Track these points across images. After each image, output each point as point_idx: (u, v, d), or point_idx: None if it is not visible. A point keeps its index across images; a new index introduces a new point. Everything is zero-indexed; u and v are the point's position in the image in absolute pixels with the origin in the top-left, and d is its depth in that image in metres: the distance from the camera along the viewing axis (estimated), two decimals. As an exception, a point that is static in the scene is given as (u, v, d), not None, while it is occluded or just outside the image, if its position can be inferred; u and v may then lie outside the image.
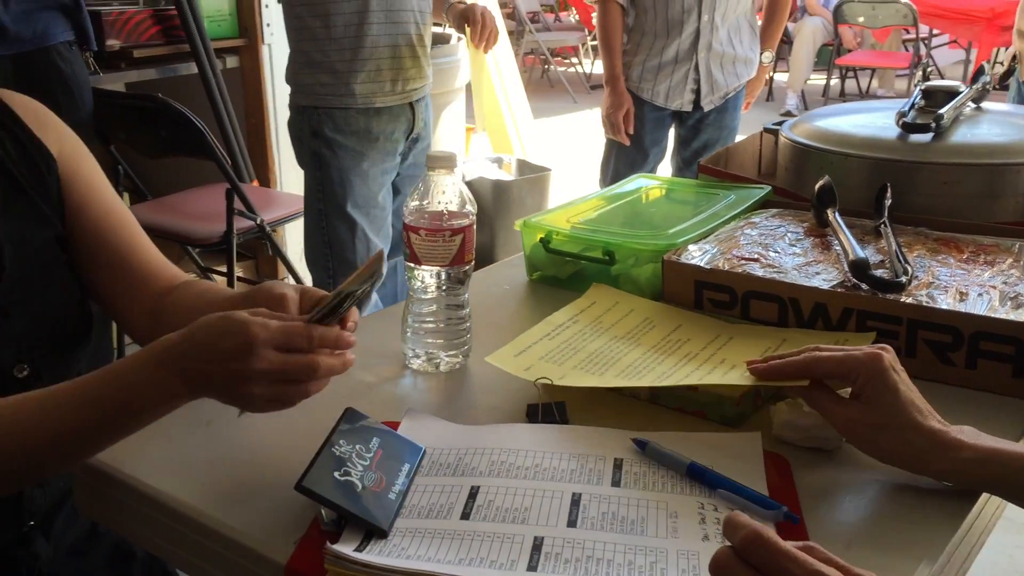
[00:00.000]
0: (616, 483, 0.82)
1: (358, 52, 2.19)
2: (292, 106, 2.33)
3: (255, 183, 3.14)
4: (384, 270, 0.86)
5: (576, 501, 0.79)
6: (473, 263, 1.04)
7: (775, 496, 0.81)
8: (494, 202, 3.78)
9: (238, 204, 2.60)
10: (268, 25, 3.18)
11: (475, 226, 1.03)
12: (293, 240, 3.41)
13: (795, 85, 7.85)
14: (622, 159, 2.98)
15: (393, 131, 2.33)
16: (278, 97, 3.24)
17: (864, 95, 8.19)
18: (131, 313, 1.10)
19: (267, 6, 3.16)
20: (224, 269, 2.75)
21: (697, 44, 2.81)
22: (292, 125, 2.36)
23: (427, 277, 1.02)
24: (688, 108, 2.90)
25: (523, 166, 4.12)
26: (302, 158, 2.36)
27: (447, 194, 1.01)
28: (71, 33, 2.19)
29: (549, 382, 0.96)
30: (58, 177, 1.07)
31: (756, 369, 0.89)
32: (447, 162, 1.00)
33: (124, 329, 1.15)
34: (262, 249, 3.34)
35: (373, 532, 0.76)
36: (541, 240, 1.27)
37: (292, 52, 2.29)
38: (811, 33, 7.86)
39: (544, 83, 9.18)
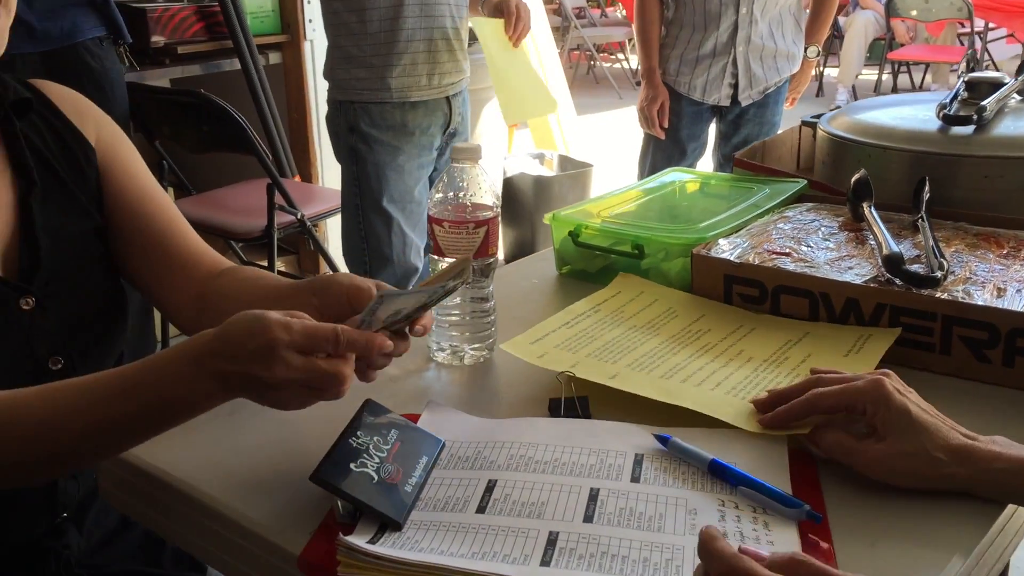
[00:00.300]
0: (635, 479, 0.81)
1: (393, 46, 2.20)
2: (330, 101, 2.35)
3: (297, 178, 3.16)
4: (470, 274, 0.84)
5: (594, 496, 0.78)
6: (497, 256, 1.04)
7: (799, 494, 0.79)
8: (535, 198, 3.77)
9: (279, 199, 2.62)
10: (310, 21, 3.20)
11: (499, 218, 1.02)
12: (335, 235, 3.42)
13: (846, 80, 7.73)
14: (659, 154, 2.96)
15: (429, 125, 2.33)
16: (320, 93, 3.26)
17: (917, 90, 8.04)
18: (174, 300, 1.08)
19: (309, 2, 3.18)
20: (266, 263, 2.77)
21: (735, 37, 2.78)
22: (330, 120, 2.37)
23: (451, 269, 1.01)
24: (726, 103, 2.86)
25: (565, 162, 4.11)
26: (339, 153, 2.38)
27: (471, 186, 1.00)
28: (101, 29, 2.20)
29: (572, 375, 0.95)
30: (97, 167, 1.07)
31: (762, 421, 0.87)
32: (471, 154, 0.99)
33: (169, 318, 1.12)
34: (304, 244, 3.37)
35: (387, 524, 0.76)
36: (570, 234, 1.26)
37: (329, 47, 2.30)
38: (863, 27, 7.73)
39: (589, 79, 9.14)
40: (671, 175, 1.51)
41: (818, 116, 1.57)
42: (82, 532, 1.10)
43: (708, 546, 0.61)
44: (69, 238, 1.03)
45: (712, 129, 3.03)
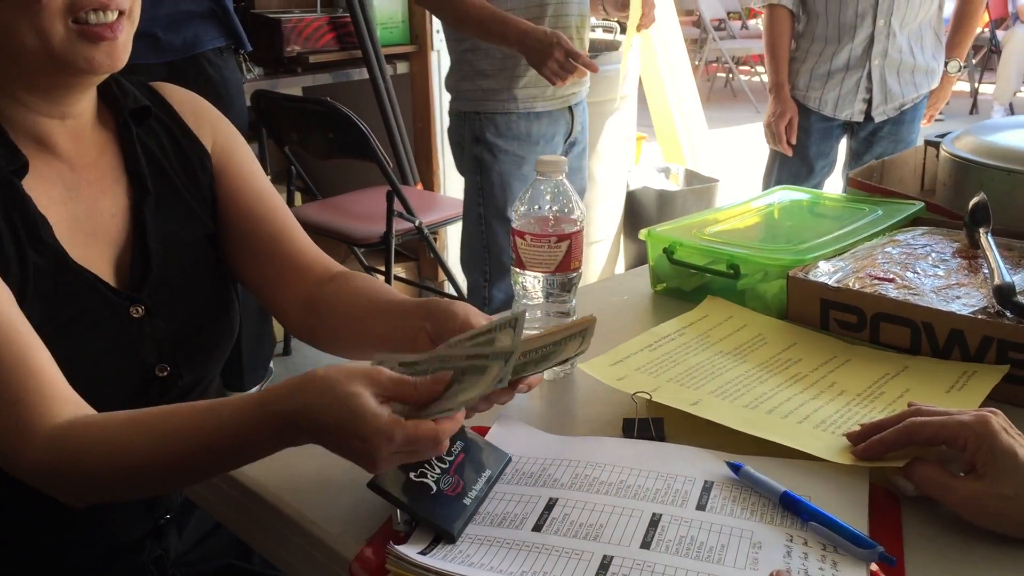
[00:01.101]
0: (701, 506, 0.78)
1: (519, 58, 2.21)
2: (453, 113, 2.37)
3: (419, 186, 3.22)
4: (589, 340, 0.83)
5: (655, 522, 0.76)
6: (580, 270, 1.02)
7: (876, 535, 0.75)
8: (657, 212, 3.72)
9: (398, 206, 2.67)
10: (438, 32, 3.25)
11: (583, 233, 1.01)
12: (454, 243, 3.47)
13: (1002, 98, 7.34)
14: (785, 171, 2.87)
15: (553, 135, 2.33)
16: (444, 102, 3.31)
17: (1079, 109, 7.56)
18: (284, 303, 1.08)
19: (438, 13, 3.23)
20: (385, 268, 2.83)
21: (871, 50, 2.67)
22: (452, 131, 2.40)
23: (532, 283, 1.00)
24: (859, 118, 2.75)
25: (691, 176, 4.04)
26: (462, 163, 2.40)
27: (554, 199, 0.99)
28: (222, 39, 2.28)
29: (648, 397, 0.92)
30: (211, 173, 1.08)
31: (856, 452, 0.83)
32: (556, 167, 0.98)
33: (280, 320, 1.12)
34: (424, 251, 3.42)
35: (441, 536, 0.75)
36: (665, 250, 1.23)
37: (454, 59, 2.33)
38: (1021, 42, 7.32)
39: (727, 92, 8.98)
40: (779, 193, 1.46)
41: (944, 135, 1.49)
42: (182, 534, 1.11)
43: None
44: (180, 245, 1.04)
45: (843, 147, 2.92)
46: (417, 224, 2.73)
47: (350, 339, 1.01)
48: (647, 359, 1.00)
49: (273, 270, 1.08)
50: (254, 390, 2.09)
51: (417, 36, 3.26)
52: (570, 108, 2.36)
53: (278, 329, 2.94)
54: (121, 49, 0.93)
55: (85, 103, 0.99)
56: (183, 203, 1.05)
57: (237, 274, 1.10)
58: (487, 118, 2.27)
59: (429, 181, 3.38)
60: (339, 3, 3.15)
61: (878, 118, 2.75)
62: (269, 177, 3.39)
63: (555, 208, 0.99)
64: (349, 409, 0.72)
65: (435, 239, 3.20)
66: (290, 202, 3.01)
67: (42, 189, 0.94)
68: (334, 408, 0.72)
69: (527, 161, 2.29)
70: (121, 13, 0.92)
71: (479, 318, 0.88)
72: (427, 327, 0.89)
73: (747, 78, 9.09)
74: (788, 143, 2.81)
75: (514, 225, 1.00)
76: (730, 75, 9.06)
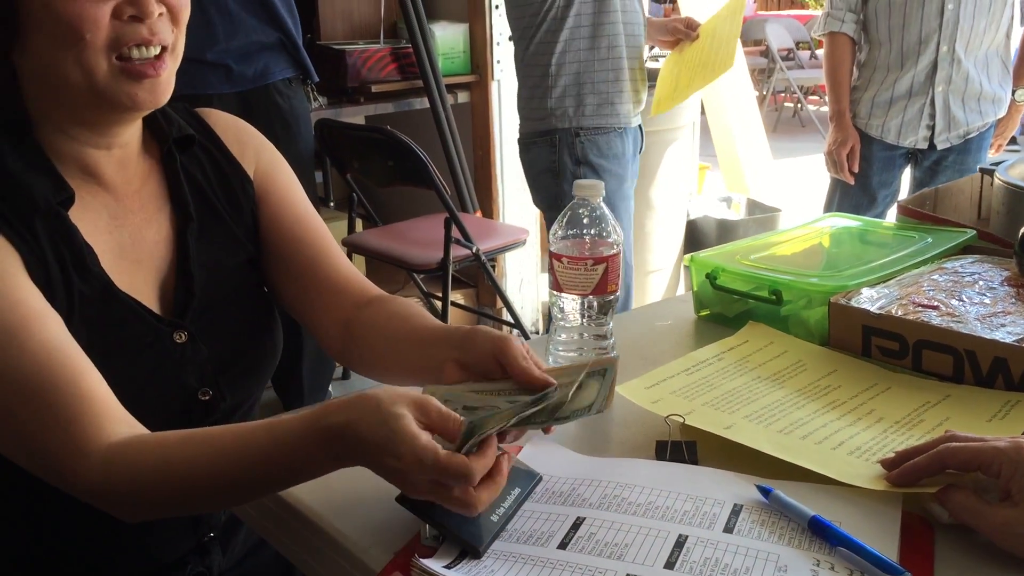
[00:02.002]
0: (729, 529, 0.78)
1: (620, 72, 2.23)
2: (541, 135, 2.32)
3: (478, 213, 3.25)
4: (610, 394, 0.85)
5: (680, 543, 0.76)
6: (618, 294, 1.03)
7: (907, 563, 0.74)
8: (717, 241, 3.69)
9: (456, 232, 2.71)
10: (498, 62, 3.30)
11: (620, 257, 1.02)
12: (513, 271, 3.50)
13: (1077, 128, 7.14)
14: (846, 200, 2.83)
15: (635, 151, 2.37)
16: (504, 131, 3.35)
17: None
18: (323, 325, 1.10)
19: (498, 44, 3.28)
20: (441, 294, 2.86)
21: (934, 77, 2.63)
22: (539, 156, 2.36)
23: (569, 304, 1.02)
24: (923, 146, 2.71)
25: (753, 206, 4.02)
26: (549, 187, 2.35)
27: (592, 223, 1.00)
28: (291, 71, 2.36)
29: (681, 420, 0.92)
30: (253, 199, 1.10)
31: (889, 478, 0.82)
32: (593, 190, 1.00)
33: (319, 342, 1.14)
34: (483, 278, 3.45)
35: (467, 551, 0.76)
36: (707, 276, 1.23)
37: (533, 77, 2.30)
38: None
39: (795, 123, 8.89)
40: (829, 220, 1.45)
41: (999, 163, 1.47)
42: (226, 552, 1.12)
43: None
44: (223, 271, 1.06)
45: (907, 177, 2.88)
46: (474, 250, 2.76)
47: (384, 364, 1.02)
48: (683, 383, 1.00)
49: (313, 293, 1.09)
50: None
51: (478, 66, 3.32)
52: (639, 126, 2.40)
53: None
54: (164, 86, 0.95)
55: (130, 133, 1.01)
56: (225, 229, 1.07)
57: (279, 297, 1.12)
58: (589, 139, 2.25)
59: (488, 209, 3.42)
60: (402, 34, 3.22)
61: (941, 146, 2.70)
62: (332, 204, 3.44)
63: (592, 232, 1.01)
64: (390, 428, 0.74)
65: (493, 266, 3.23)
66: (351, 229, 3.07)
67: (88, 218, 0.97)
68: (376, 426, 0.74)
69: (625, 179, 2.30)
70: (164, 49, 0.94)
71: (503, 336, 0.88)
72: (455, 355, 0.91)
73: (815, 108, 9.00)
74: (850, 171, 2.78)
75: (552, 248, 1.01)
76: (798, 105, 8.97)
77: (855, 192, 2.82)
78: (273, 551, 1.15)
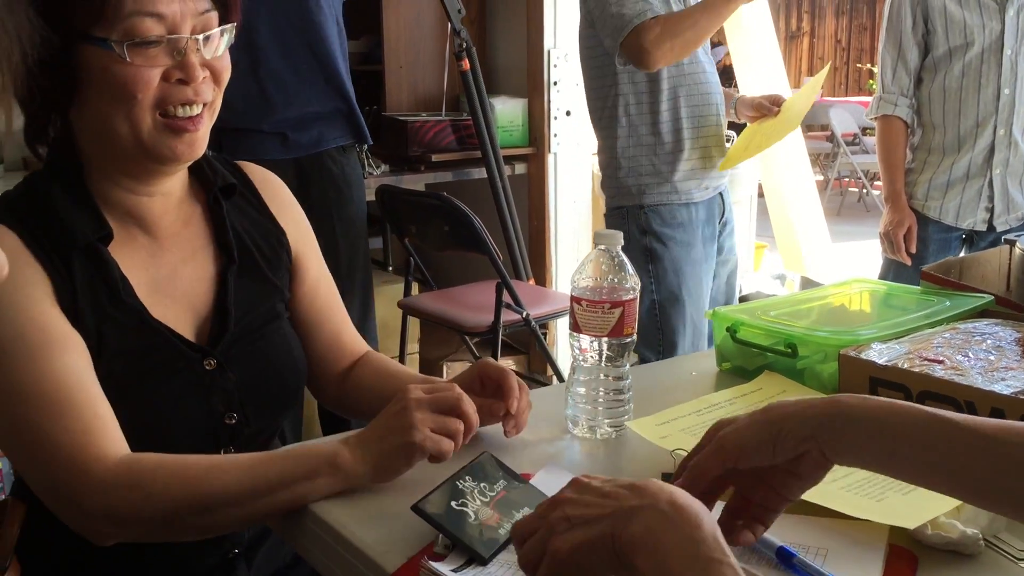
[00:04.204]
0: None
1: (679, 155, 2.34)
2: (612, 209, 2.48)
3: (531, 281, 3.34)
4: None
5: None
6: (634, 337, 1.10)
7: (887, 591, 0.78)
8: (769, 317, 3.73)
9: (507, 297, 2.79)
10: (555, 136, 3.43)
11: (637, 301, 1.08)
12: (564, 338, 3.57)
13: None
14: (899, 282, 2.83)
15: (710, 218, 2.47)
16: (560, 202, 3.46)
17: None
18: (321, 378, 1.26)
19: (556, 118, 3.41)
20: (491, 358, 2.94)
21: (991, 159, 2.66)
22: (615, 228, 2.48)
23: (587, 345, 1.08)
24: (981, 227, 2.71)
25: (807, 284, 4.04)
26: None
27: (611, 270, 1.08)
28: (345, 138, 2.47)
29: (685, 453, 0.98)
30: (290, 251, 1.22)
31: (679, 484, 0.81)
32: (611, 240, 1.08)
33: (314, 392, 1.29)
34: (535, 345, 3.52)
35: (474, 558, 0.83)
36: (728, 330, 1.29)
37: (610, 159, 2.44)
38: None
39: (860, 207, 8.88)
40: (854, 284, 1.51)
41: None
42: (251, 568, 1.18)
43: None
44: (256, 311, 1.16)
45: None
46: (524, 315, 2.83)
47: (373, 411, 1.07)
48: (693, 422, 1.06)
49: (319, 347, 1.24)
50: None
51: (536, 139, 3.44)
52: (720, 193, 2.50)
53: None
54: (201, 140, 1.07)
55: (173, 182, 1.12)
56: (262, 275, 1.18)
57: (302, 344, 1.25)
58: (652, 210, 2.39)
59: (542, 277, 3.51)
60: (464, 108, 3.37)
61: (1000, 227, 2.71)
62: (391, 268, 3.56)
63: (611, 278, 1.08)
64: (396, 398, 0.96)
65: (545, 334, 3.30)
66: (407, 292, 3.18)
67: (126, 254, 1.07)
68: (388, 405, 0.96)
69: (694, 246, 2.39)
70: (205, 105, 1.05)
71: (508, 379, 1.06)
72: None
73: (879, 193, 8.97)
74: (907, 252, 2.79)
75: (572, 292, 1.09)
76: (863, 190, 8.97)
77: (909, 273, 2.81)
78: (300, 570, 1.23)
